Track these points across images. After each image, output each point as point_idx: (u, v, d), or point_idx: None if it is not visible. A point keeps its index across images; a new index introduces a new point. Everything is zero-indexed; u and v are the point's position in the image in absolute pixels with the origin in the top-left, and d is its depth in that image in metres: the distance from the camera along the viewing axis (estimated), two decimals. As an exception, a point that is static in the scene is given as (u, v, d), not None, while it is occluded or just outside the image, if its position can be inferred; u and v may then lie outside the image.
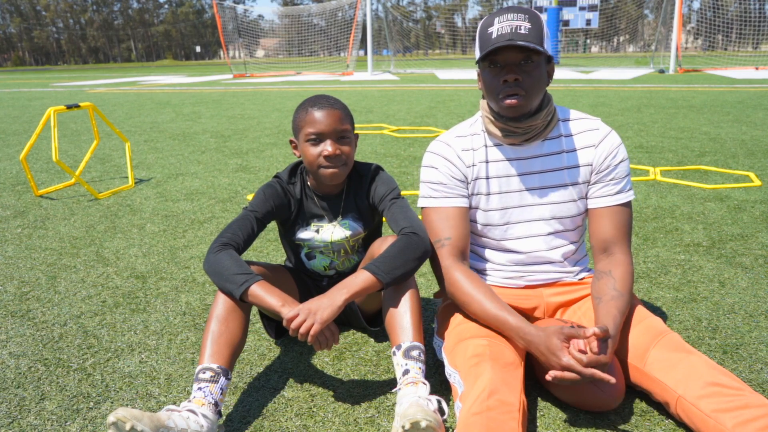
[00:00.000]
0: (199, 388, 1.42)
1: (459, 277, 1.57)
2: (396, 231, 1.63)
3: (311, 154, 1.66)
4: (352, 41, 23.32)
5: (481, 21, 1.53)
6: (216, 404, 1.41)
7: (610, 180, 1.61)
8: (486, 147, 1.64)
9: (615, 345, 1.43)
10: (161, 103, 12.07)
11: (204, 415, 1.36)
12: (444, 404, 1.40)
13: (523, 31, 1.43)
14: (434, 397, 1.38)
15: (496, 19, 1.47)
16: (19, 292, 2.46)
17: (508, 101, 1.48)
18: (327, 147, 1.63)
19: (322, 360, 1.87)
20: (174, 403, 1.64)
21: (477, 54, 1.53)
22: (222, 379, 1.45)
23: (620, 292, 1.53)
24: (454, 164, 1.63)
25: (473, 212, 1.68)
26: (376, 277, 1.50)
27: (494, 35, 1.45)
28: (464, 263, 1.62)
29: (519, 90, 1.47)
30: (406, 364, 1.44)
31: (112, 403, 1.65)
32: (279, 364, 1.85)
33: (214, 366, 1.45)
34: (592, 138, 1.61)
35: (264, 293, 1.48)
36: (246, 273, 1.52)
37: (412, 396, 1.36)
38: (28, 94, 16.11)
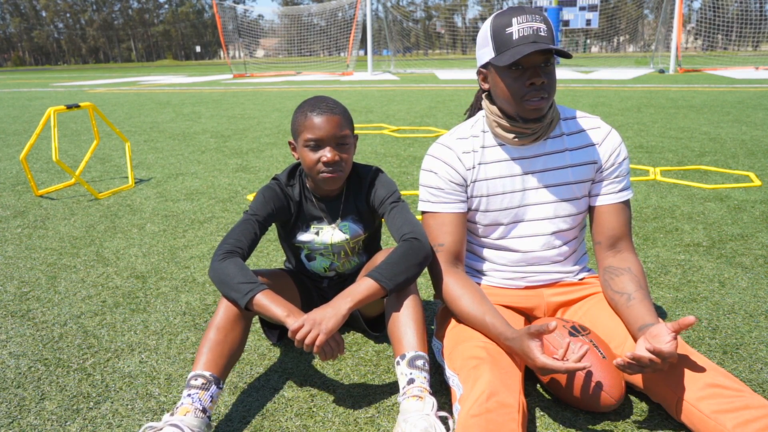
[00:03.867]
0: (189, 395, 1.42)
1: (449, 281, 1.58)
2: (397, 235, 1.63)
3: (310, 159, 1.65)
4: (352, 41, 23.32)
5: (492, 20, 1.49)
6: (204, 410, 1.41)
7: (615, 178, 1.62)
8: (488, 148, 1.63)
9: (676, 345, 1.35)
10: (161, 103, 12.07)
11: (188, 427, 1.36)
12: (450, 421, 1.39)
13: (543, 33, 1.43)
14: (440, 416, 1.38)
15: (514, 20, 1.44)
16: (19, 292, 2.46)
17: (534, 103, 1.47)
18: (326, 153, 1.62)
19: (321, 360, 1.86)
20: (174, 403, 1.65)
21: (490, 54, 1.50)
22: (213, 387, 1.44)
23: (645, 289, 1.55)
24: (454, 168, 1.63)
25: (474, 214, 1.68)
26: (379, 284, 1.50)
27: (515, 36, 1.43)
28: (457, 268, 1.63)
29: (543, 92, 1.47)
30: (411, 374, 1.44)
31: (112, 403, 1.65)
32: (279, 364, 1.85)
33: (207, 374, 1.45)
34: (594, 136, 1.62)
35: (269, 303, 1.48)
36: (251, 282, 1.51)
37: (418, 415, 1.35)
38: (28, 94, 16.11)
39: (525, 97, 1.48)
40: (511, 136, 1.57)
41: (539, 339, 1.36)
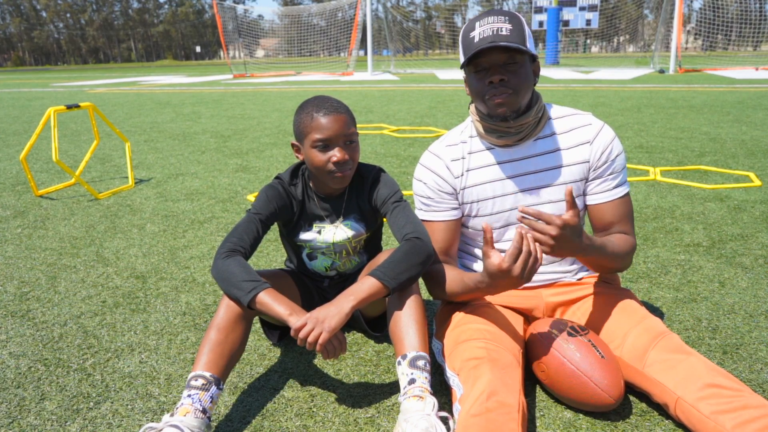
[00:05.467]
0: (189, 395, 1.42)
1: (439, 269, 1.61)
2: (399, 235, 1.63)
3: (319, 159, 1.64)
4: (353, 41, 23.32)
5: (464, 26, 1.54)
6: (204, 411, 1.41)
7: (609, 175, 1.61)
8: (476, 153, 1.63)
9: (579, 218, 1.41)
10: (161, 103, 12.07)
11: (188, 427, 1.36)
12: (451, 422, 1.39)
13: (504, 33, 1.44)
14: (440, 416, 1.38)
15: (477, 23, 1.48)
16: (19, 292, 2.46)
17: (496, 99, 1.48)
18: (336, 153, 1.63)
19: (322, 360, 1.87)
20: (174, 404, 1.65)
21: (461, 59, 1.54)
22: (213, 388, 1.44)
23: (612, 241, 1.55)
24: (443, 177, 1.64)
25: (467, 219, 1.68)
26: (382, 282, 1.50)
27: (476, 39, 1.46)
28: (447, 262, 1.67)
29: (505, 90, 1.47)
30: (412, 374, 1.44)
31: (112, 403, 1.66)
32: (279, 364, 1.85)
33: (207, 374, 1.45)
34: (586, 134, 1.60)
35: (272, 301, 1.48)
36: (254, 280, 1.51)
37: (419, 415, 1.35)
38: (28, 94, 16.11)
39: (486, 95, 1.50)
40: (492, 136, 1.58)
41: (491, 246, 1.35)
